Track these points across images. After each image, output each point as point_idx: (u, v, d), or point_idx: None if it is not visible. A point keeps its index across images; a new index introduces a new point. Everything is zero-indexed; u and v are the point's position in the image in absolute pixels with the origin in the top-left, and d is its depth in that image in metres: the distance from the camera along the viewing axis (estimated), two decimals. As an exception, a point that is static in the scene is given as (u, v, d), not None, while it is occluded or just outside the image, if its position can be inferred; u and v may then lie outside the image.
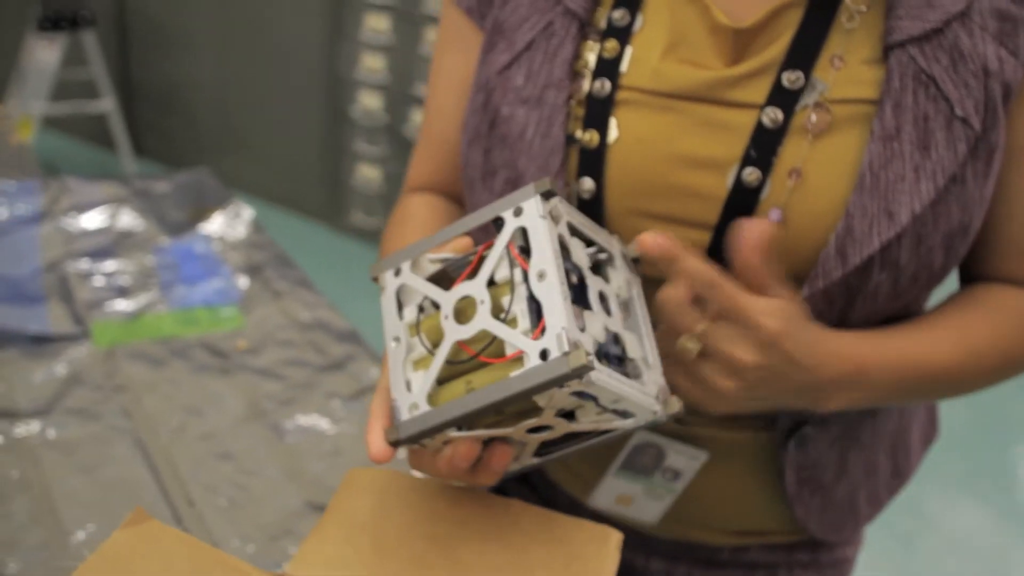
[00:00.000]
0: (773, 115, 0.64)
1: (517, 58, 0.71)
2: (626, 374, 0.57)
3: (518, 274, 0.55)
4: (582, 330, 0.54)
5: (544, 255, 0.53)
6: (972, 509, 2.44)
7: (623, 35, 0.69)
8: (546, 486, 0.88)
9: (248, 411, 1.05)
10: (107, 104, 3.33)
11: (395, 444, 0.56)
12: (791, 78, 0.64)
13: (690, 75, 0.66)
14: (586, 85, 0.69)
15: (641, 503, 0.80)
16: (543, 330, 0.52)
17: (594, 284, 0.57)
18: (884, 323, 0.70)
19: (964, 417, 2.69)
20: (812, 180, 0.64)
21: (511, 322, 0.54)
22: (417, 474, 0.61)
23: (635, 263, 0.63)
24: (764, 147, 0.64)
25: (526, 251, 0.55)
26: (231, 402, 1.06)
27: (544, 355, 0.51)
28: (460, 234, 0.59)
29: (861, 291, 0.65)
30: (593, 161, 0.68)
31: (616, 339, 0.57)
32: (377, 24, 2.99)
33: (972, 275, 0.75)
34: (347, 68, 3.10)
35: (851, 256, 0.63)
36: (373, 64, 3.06)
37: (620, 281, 0.61)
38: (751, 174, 0.64)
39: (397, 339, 0.58)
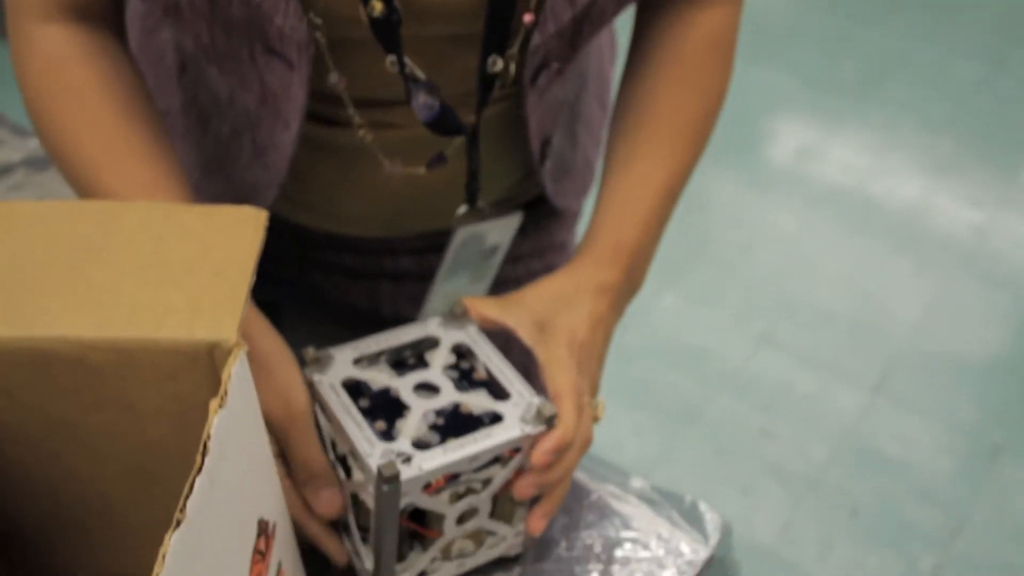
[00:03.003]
0: None
1: None
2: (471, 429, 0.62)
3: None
4: (392, 441, 0.60)
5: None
6: (718, 177, 2.57)
7: None
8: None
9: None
10: None
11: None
12: None
13: None
14: None
15: (466, 293, 0.83)
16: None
17: (406, 385, 0.64)
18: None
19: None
20: None
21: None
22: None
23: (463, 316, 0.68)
24: None
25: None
26: None
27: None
28: None
29: (587, 17, 0.66)
30: None
31: (457, 408, 0.63)
32: None
33: None
34: None
35: None
36: None
37: (443, 354, 0.66)
38: None
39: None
